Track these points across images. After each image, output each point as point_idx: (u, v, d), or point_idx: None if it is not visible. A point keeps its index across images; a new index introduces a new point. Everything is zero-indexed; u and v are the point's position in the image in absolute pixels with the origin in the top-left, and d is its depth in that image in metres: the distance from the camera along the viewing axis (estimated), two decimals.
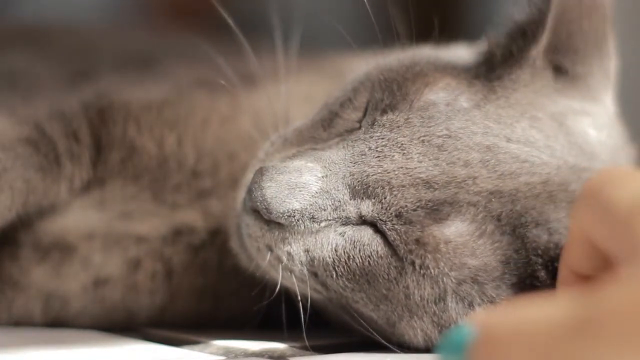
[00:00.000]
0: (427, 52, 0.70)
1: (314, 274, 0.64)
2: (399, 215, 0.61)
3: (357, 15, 0.71)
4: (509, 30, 0.68)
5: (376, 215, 0.61)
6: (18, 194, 0.69)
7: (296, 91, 0.75)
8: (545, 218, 0.62)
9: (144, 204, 0.75)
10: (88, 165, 0.74)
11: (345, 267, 0.62)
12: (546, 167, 0.63)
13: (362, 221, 0.62)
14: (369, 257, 0.62)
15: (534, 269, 0.62)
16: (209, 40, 0.84)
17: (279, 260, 0.64)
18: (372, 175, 0.62)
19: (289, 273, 0.64)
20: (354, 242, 0.62)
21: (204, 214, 0.75)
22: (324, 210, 0.62)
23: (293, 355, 0.66)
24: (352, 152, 0.63)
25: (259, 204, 0.62)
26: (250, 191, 0.63)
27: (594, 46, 0.68)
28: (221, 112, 0.77)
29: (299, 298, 0.64)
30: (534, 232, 0.61)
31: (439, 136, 0.62)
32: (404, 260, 0.61)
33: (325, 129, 0.67)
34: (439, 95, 0.64)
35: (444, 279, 0.60)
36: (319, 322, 0.67)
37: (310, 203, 0.62)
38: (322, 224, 0.62)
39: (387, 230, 0.61)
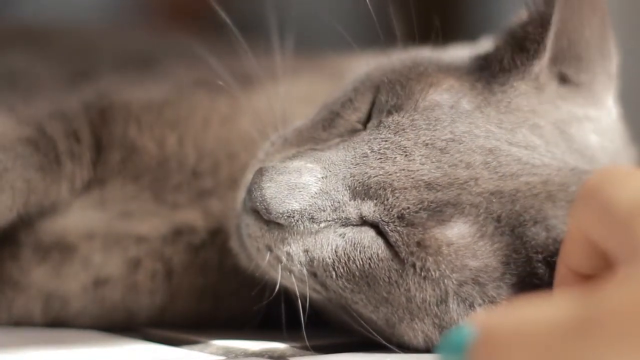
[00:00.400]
0: (428, 53, 0.70)
1: (313, 274, 0.64)
2: (401, 217, 0.61)
3: (356, 15, 0.71)
4: (510, 42, 0.67)
5: (378, 216, 0.61)
6: (19, 194, 0.69)
7: (296, 91, 0.75)
8: (544, 216, 0.62)
9: (144, 203, 0.75)
10: (89, 165, 0.74)
11: (345, 268, 0.62)
12: (547, 168, 0.63)
13: (363, 222, 0.62)
14: (369, 259, 0.62)
15: (533, 267, 0.62)
16: (206, 40, 0.84)
17: (279, 260, 0.64)
18: (374, 177, 0.62)
19: (288, 273, 0.64)
20: (355, 243, 0.62)
21: (204, 214, 0.75)
22: (324, 211, 0.62)
23: (293, 355, 0.66)
24: (353, 153, 0.63)
25: (258, 204, 0.62)
26: (250, 191, 0.63)
27: (596, 51, 0.68)
28: (221, 112, 0.77)
29: (299, 298, 0.64)
30: (532, 230, 0.61)
31: (442, 140, 0.62)
32: (405, 262, 0.61)
33: (325, 129, 0.67)
34: (443, 96, 0.64)
35: (446, 281, 0.60)
36: (319, 322, 0.67)
37: (309, 204, 0.62)
38: (322, 225, 0.62)
39: (389, 232, 0.61)
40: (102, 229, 0.74)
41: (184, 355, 0.66)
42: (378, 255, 0.62)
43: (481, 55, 0.69)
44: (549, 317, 0.44)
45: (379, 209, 0.61)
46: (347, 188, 0.62)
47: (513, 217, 0.61)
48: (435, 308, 0.61)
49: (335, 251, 0.63)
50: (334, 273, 0.63)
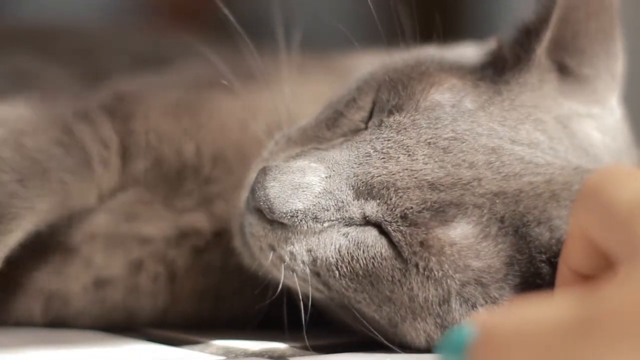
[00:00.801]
0: (431, 52, 0.70)
1: (317, 274, 0.64)
2: (404, 217, 0.61)
3: (359, 14, 0.71)
4: (516, 31, 0.68)
5: (381, 216, 0.61)
6: (58, 197, 0.68)
7: (305, 91, 0.75)
8: (547, 216, 0.62)
9: (153, 208, 0.74)
10: (117, 173, 0.73)
11: (349, 267, 0.62)
12: (550, 167, 0.63)
13: (366, 222, 0.62)
14: (372, 258, 0.62)
15: (537, 268, 0.62)
16: (208, 40, 0.84)
17: (282, 259, 0.64)
18: (377, 177, 0.62)
19: (291, 272, 0.64)
20: (358, 243, 0.62)
21: (209, 216, 0.75)
22: (327, 210, 0.62)
23: (293, 355, 0.66)
24: (356, 153, 0.63)
25: (262, 203, 0.62)
26: (253, 191, 0.63)
27: (601, 47, 0.67)
28: (238, 116, 0.76)
29: (301, 297, 0.64)
30: (536, 230, 0.61)
31: (445, 138, 0.62)
32: (408, 262, 0.61)
33: (329, 129, 0.67)
34: (445, 96, 0.64)
35: (448, 281, 0.60)
36: (319, 322, 0.67)
37: (313, 203, 0.62)
38: (325, 224, 0.62)
39: (392, 232, 0.61)
40: (105, 229, 0.74)
41: (184, 355, 0.66)
42: (381, 255, 0.61)
43: (486, 54, 0.69)
44: (550, 317, 0.44)
45: (382, 209, 0.61)
46: (351, 188, 0.62)
47: (517, 217, 0.61)
48: (438, 308, 0.61)
49: (339, 250, 0.63)
50: (337, 272, 0.63)
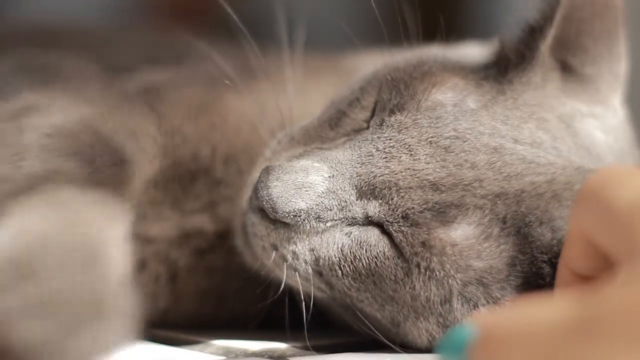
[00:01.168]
0: (435, 52, 0.70)
1: (319, 273, 0.64)
2: (405, 217, 0.61)
3: (362, 14, 0.71)
4: (520, 31, 0.68)
5: (383, 216, 0.61)
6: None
7: (307, 90, 0.75)
8: (549, 216, 0.62)
9: (160, 209, 0.74)
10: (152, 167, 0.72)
11: (351, 266, 0.62)
12: (552, 167, 0.63)
13: (369, 222, 0.62)
14: (375, 257, 0.62)
15: (539, 268, 0.62)
16: (211, 40, 0.84)
17: (284, 259, 0.64)
18: (379, 177, 0.62)
19: (293, 272, 0.64)
20: (361, 242, 0.62)
21: (213, 217, 0.75)
22: (330, 210, 0.62)
23: (293, 355, 0.66)
24: (359, 152, 0.63)
25: (265, 203, 0.62)
26: (256, 190, 0.63)
27: (605, 47, 0.67)
28: (248, 118, 0.76)
29: (303, 297, 0.64)
30: (538, 230, 0.61)
31: (446, 137, 0.62)
32: (410, 262, 0.61)
33: (332, 128, 0.67)
34: (447, 95, 0.64)
35: (450, 281, 0.60)
36: (320, 322, 0.67)
37: (316, 203, 0.62)
38: (328, 224, 0.62)
39: (393, 232, 0.61)
40: None
41: (184, 355, 0.66)
42: (384, 254, 0.61)
43: (489, 53, 0.69)
44: (550, 317, 0.44)
45: (383, 209, 0.61)
46: (354, 187, 0.62)
47: (518, 218, 0.61)
48: (440, 307, 0.61)
49: (341, 250, 0.63)
50: (339, 272, 0.63)
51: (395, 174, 0.62)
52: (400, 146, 0.62)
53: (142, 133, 0.71)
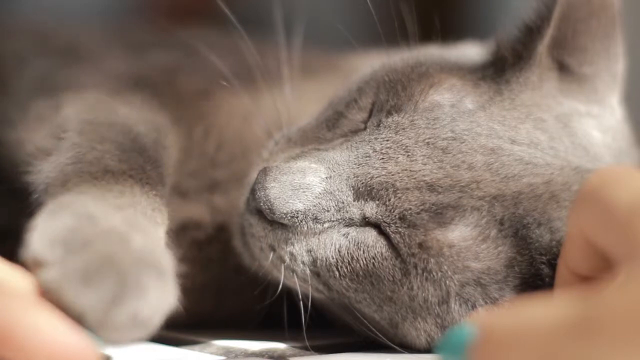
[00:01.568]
0: (432, 52, 0.70)
1: (317, 274, 0.64)
2: (402, 218, 0.61)
3: (361, 14, 0.71)
4: (517, 31, 0.68)
5: (380, 217, 0.61)
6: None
7: (305, 90, 0.75)
8: (548, 217, 0.62)
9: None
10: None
11: (349, 267, 0.62)
12: (549, 167, 0.63)
13: (366, 223, 0.62)
14: (373, 258, 0.62)
15: (537, 269, 0.62)
16: (208, 40, 0.84)
17: (282, 260, 0.64)
18: (376, 178, 0.62)
19: (291, 273, 0.64)
20: (358, 243, 0.62)
21: (210, 208, 0.75)
22: (327, 211, 0.62)
23: (293, 355, 0.66)
24: (356, 153, 0.63)
25: (262, 204, 0.62)
26: (253, 191, 0.63)
27: (602, 47, 0.67)
28: (241, 109, 0.76)
29: (301, 298, 0.64)
30: (536, 232, 0.61)
31: (443, 138, 0.62)
32: (407, 263, 0.61)
33: (329, 129, 0.67)
34: (444, 96, 0.64)
35: (447, 281, 0.60)
36: (319, 322, 0.67)
37: (313, 204, 0.62)
38: (326, 225, 0.62)
39: (390, 233, 0.61)
40: None
41: (184, 355, 0.66)
42: (382, 255, 0.62)
43: (487, 53, 0.69)
44: (550, 317, 0.44)
45: (380, 210, 0.61)
46: (351, 188, 0.62)
47: (516, 219, 0.61)
48: (437, 308, 0.61)
49: (339, 251, 0.63)
50: (337, 273, 0.63)
51: (392, 175, 0.62)
52: (398, 147, 0.62)
53: (164, 130, 0.72)
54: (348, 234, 0.63)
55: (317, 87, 0.78)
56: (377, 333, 0.64)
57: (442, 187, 0.61)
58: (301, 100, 0.73)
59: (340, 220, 0.62)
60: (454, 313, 0.61)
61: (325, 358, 0.65)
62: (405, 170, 0.62)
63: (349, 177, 0.62)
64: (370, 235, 0.62)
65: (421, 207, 0.61)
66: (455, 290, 0.61)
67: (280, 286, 0.65)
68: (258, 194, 0.62)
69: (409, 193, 0.61)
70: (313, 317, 0.65)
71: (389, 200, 0.61)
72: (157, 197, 0.61)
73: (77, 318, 0.50)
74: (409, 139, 0.62)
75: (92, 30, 0.93)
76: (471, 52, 0.71)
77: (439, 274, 0.60)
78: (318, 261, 0.63)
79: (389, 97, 0.65)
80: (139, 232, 0.55)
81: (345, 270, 0.62)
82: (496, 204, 0.61)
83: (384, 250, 0.62)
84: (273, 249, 0.64)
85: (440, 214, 0.60)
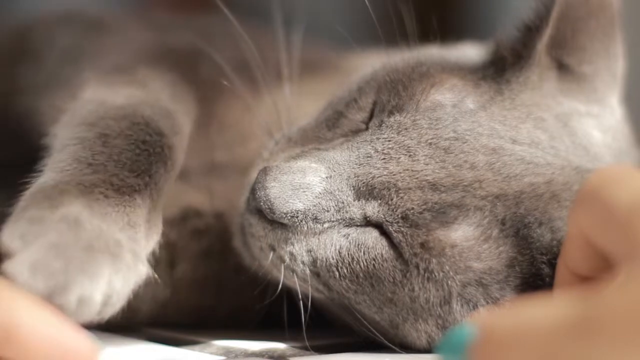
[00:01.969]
0: (433, 52, 0.70)
1: (316, 275, 0.64)
2: (405, 218, 0.61)
3: (362, 14, 0.71)
4: (516, 31, 0.68)
5: (382, 216, 0.61)
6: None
7: (306, 90, 0.75)
8: (549, 217, 0.62)
9: None
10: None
11: (349, 268, 0.62)
12: (550, 167, 0.63)
13: (367, 223, 0.62)
14: (373, 259, 0.62)
15: (538, 269, 0.62)
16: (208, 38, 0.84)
17: (282, 260, 0.64)
18: (378, 177, 0.62)
19: (290, 273, 0.64)
20: (359, 244, 0.62)
21: (210, 196, 0.75)
22: (327, 211, 0.62)
23: (293, 355, 0.66)
24: (357, 153, 0.63)
25: (262, 204, 0.62)
26: (253, 191, 0.63)
27: (601, 46, 0.67)
28: (245, 99, 0.76)
29: (301, 297, 0.64)
30: (537, 231, 0.61)
31: (445, 138, 0.62)
32: (409, 263, 0.61)
33: (330, 129, 0.67)
34: (446, 96, 0.64)
35: (449, 282, 0.60)
36: (319, 322, 0.67)
37: (313, 204, 0.62)
38: (326, 225, 0.62)
39: (392, 232, 0.61)
40: None
41: (184, 355, 0.66)
42: (382, 256, 0.61)
43: (487, 53, 0.69)
44: (550, 318, 0.44)
45: (383, 209, 0.61)
46: (351, 188, 0.62)
47: (518, 219, 0.61)
48: (439, 309, 0.61)
49: (339, 252, 0.63)
50: (337, 273, 0.63)
51: (394, 174, 0.62)
52: (399, 147, 0.62)
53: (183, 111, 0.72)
54: (349, 234, 0.63)
55: (318, 87, 0.78)
56: (377, 334, 0.64)
57: (444, 186, 0.61)
58: (301, 100, 0.73)
59: (340, 221, 0.62)
60: (456, 314, 0.61)
61: (325, 358, 0.65)
62: (407, 170, 0.62)
63: (349, 177, 0.62)
64: (370, 236, 0.62)
65: (424, 207, 0.60)
66: (457, 290, 0.61)
67: (280, 286, 0.65)
68: (258, 193, 0.62)
69: (411, 193, 0.61)
70: (313, 317, 0.65)
71: (391, 199, 0.61)
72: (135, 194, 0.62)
73: None
74: (411, 139, 0.62)
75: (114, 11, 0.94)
76: (471, 52, 0.71)
77: (441, 274, 0.60)
78: (318, 261, 0.63)
79: (390, 97, 0.65)
80: (98, 218, 0.57)
81: (346, 271, 0.62)
82: (498, 203, 0.61)
83: (384, 252, 0.61)
84: (273, 248, 0.64)
85: (443, 214, 0.60)
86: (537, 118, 0.64)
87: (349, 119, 0.67)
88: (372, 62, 0.71)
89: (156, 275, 0.61)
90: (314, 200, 0.62)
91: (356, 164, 0.62)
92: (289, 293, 0.66)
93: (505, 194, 0.61)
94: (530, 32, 0.67)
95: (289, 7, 0.78)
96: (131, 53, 0.79)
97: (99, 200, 0.58)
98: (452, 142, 0.62)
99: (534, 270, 0.62)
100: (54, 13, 0.94)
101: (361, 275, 0.62)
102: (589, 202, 0.52)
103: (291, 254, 0.63)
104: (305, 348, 0.66)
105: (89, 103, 0.68)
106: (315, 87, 0.78)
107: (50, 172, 0.61)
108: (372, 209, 0.62)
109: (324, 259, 0.63)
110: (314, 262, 0.63)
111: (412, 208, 0.61)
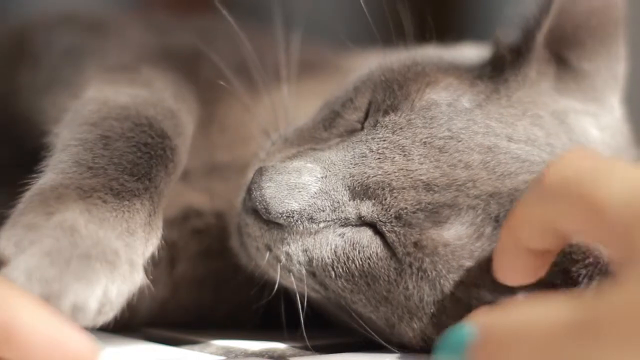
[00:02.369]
0: (429, 52, 0.70)
1: (312, 274, 0.64)
2: (398, 217, 0.61)
3: (359, 14, 0.71)
4: (516, 28, 0.67)
5: (376, 216, 0.62)
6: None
7: (303, 90, 0.75)
8: None
9: None
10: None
11: (345, 267, 0.62)
12: (545, 164, 0.63)
13: (362, 222, 0.62)
14: (368, 258, 0.62)
15: None
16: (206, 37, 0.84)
17: (278, 260, 0.64)
18: (373, 177, 0.62)
19: (287, 273, 0.64)
20: (354, 243, 0.62)
21: (210, 196, 0.75)
22: (323, 211, 0.62)
23: (293, 355, 0.66)
24: (352, 153, 0.63)
25: (258, 204, 0.62)
26: (249, 191, 0.63)
27: (602, 44, 0.67)
28: (244, 100, 0.76)
29: (298, 297, 0.64)
30: None
31: (440, 138, 0.62)
32: (403, 262, 0.61)
33: (326, 129, 0.67)
34: (441, 95, 0.64)
35: (442, 280, 0.60)
36: (319, 322, 0.67)
37: (309, 204, 0.62)
38: (321, 225, 0.62)
39: (386, 232, 0.61)
40: None
41: (184, 355, 0.66)
42: (377, 255, 0.62)
43: (485, 53, 0.69)
44: (550, 318, 0.44)
45: (376, 209, 0.62)
46: (347, 188, 0.62)
47: None
48: (433, 307, 0.62)
49: (335, 251, 0.63)
50: (333, 273, 0.63)
51: (389, 174, 0.62)
52: (394, 147, 0.62)
53: (185, 111, 0.72)
54: (344, 234, 0.63)
55: (316, 87, 0.78)
56: (373, 333, 0.64)
57: (438, 186, 0.61)
58: (300, 100, 0.73)
59: (335, 220, 0.62)
60: (450, 312, 0.61)
61: (325, 358, 0.65)
62: (402, 169, 0.62)
63: (344, 176, 0.62)
64: (365, 236, 0.62)
65: (417, 207, 0.61)
66: (450, 289, 0.61)
67: (277, 286, 0.65)
68: (254, 193, 0.62)
69: (405, 192, 0.61)
70: (313, 317, 0.65)
71: (385, 199, 0.61)
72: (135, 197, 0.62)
73: None
74: (406, 138, 0.63)
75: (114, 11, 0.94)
76: (470, 52, 0.71)
77: (434, 273, 0.60)
78: (314, 261, 0.63)
79: (386, 97, 0.65)
80: (95, 224, 0.57)
81: (341, 270, 0.62)
82: (492, 201, 0.61)
83: (379, 251, 0.62)
84: (269, 248, 0.64)
85: (436, 213, 0.60)
86: (533, 115, 0.64)
87: (344, 118, 0.67)
88: (369, 62, 0.71)
89: (152, 286, 0.61)
90: (310, 200, 0.62)
91: (351, 163, 0.63)
92: (286, 293, 0.66)
93: (500, 192, 0.61)
94: (530, 24, 0.67)
95: (288, 7, 0.79)
96: (132, 53, 0.79)
97: (98, 206, 0.58)
98: (446, 141, 0.62)
99: None
100: (54, 13, 0.94)
101: (357, 274, 0.62)
102: (565, 196, 0.51)
103: (287, 253, 0.63)
104: (305, 348, 0.66)
105: (91, 102, 0.68)
106: (313, 88, 0.78)
107: (50, 174, 0.61)
108: (367, 208, 0.62)
109: (320, 259, 0.63)
110: (310, 261, 0.63)
111: (406, 208, 0.61)
